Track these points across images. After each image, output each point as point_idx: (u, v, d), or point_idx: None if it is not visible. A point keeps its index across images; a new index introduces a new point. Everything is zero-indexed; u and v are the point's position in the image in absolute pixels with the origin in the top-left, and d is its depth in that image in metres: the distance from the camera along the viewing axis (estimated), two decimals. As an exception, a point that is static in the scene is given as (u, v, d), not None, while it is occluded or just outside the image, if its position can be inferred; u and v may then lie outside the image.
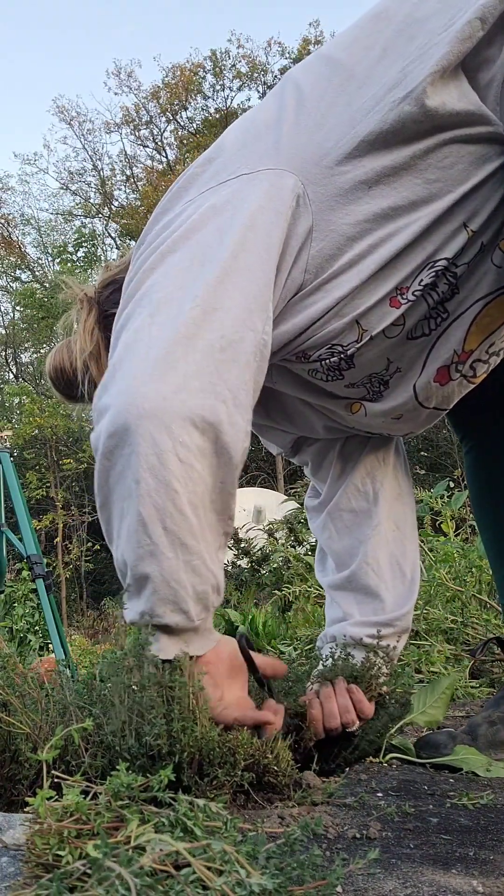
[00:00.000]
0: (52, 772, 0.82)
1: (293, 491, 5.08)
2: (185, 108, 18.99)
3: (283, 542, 4.56)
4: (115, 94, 26.05)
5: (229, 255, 0.89)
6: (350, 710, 1.09)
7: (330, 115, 0.95)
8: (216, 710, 0.93)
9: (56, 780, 0.78)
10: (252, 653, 1.01)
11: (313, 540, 4.53)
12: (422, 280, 0.98)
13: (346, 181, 0.94)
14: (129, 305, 0.92)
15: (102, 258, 19.36)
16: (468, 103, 0.91)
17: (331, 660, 1.18)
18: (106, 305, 1.21)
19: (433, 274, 0.98)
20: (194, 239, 0.91)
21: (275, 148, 0.95)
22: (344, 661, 1.16)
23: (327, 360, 1.04)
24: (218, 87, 18.48)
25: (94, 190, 19.96)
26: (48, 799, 0.68)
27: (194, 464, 0.84)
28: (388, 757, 1.18)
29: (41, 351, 18.83)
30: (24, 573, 5.38)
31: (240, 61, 18.19)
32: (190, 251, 0.90)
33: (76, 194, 19.94)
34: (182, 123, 19.29)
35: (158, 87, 18.69)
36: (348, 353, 1.03)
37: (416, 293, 0.99)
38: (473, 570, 2.53)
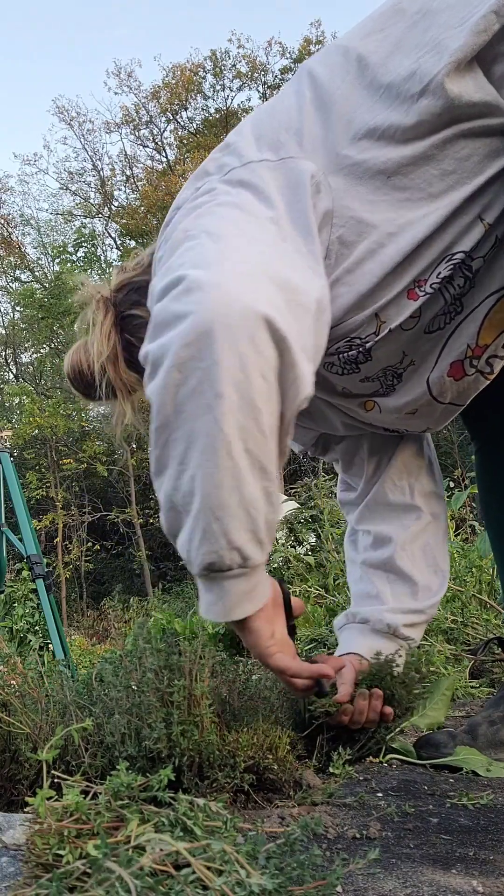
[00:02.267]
0: (52, 772, 0.82)
1: (293, 491, 5.08)
2: (186, 108, 18.99)
3: (283, 542, 4.56)
4: (115, 93, 26.08)
5: (271, 215, 0.87)
6: (374, 723, 1.14)
7: (348, 106, 0.96)
8: (271, 650, 0.94)
9: (56, 779, 0.78)
10: (286, 590, 1.02)
11: (313, 540, 4.53)
12: (439, 272, 0.98)
13: (365, 171, 0.94)
14: (174, 247, 0.87)
15: (102, 258, 19.37)
16: (485, 94, 0.91)
17: (385, 658, 1.19)
18: (122, 307, 1.21)
19: (451, 266, 0.98)
20: (236, 198, 0.89)
21: (297, 139, 0.96)
22: (387, 666, 1.18)
23: (345, 354, 1.04)
24: (218, 87, 18.48)
25: (93, 190, 19.96)
26: (48, 799, 0.68)
27: (273, 383, 0.80)
28: (388, 757, 1.18)
29: (41, 351, 18.83)
30: (24, 573, 5.37)
31: (240, 61, 18.20)
32: (235, 206, 0.88)
33: (76, 194, 19.95)
34: (182, 123, 19.29)
35: (158, 86, 18.70)
36: (366, 346, 1.02)
37: (433, 286, 0.99)
38: (473, 570, 2.53)
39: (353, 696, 1.12)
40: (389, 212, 0.95)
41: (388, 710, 1.14)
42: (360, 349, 1.03)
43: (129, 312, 1.21)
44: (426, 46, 0.92)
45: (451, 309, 1.03)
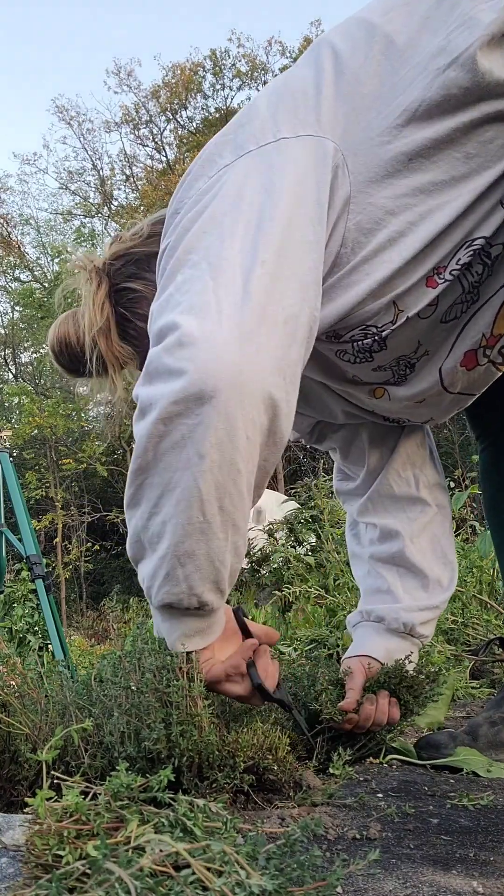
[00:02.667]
0: (52, 772, 0.82)
1: (293, 491, 5.08)
2: (185, 108, 18.99)
3: (283, 542, 4.56)
4: (115, 93, 25.98)
5: (284, 222, 0.85)
6: (381, 725, 1.13)
7: (371, 84, 0.91)
8: (204, 668, 0.93)
9: (56, 780, 0.78)
10: (246, 620, 1.01)
11: (313, 540, 4.52)
12: (459, 259, 0.95)
13: (386, 152, 0.90)
14: (176, 265, 0.87)
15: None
16: None
17: (397, 663, 1.19)
18: (117, 279, 1.17)
19: (470, 253, 0.95)
20: (245, 202, 0.86)
21: (315, 115, 0.91)
22: (400, 671, 1.18)
23: (360, 342, 1.01)
24: (218, 87, 18.48)
25: (93, 189, 19.96)
26: (48, 799, 0.67)
27: (256, 443, 0.82)
28: (388, 758, 1.18)
29: (41, 351, 18.81)
30: (24, 573, 5.37)
31: (240, 60, 18.20)
32: (243, 214, 0.86)
33: (76, 194, 19.94)
34: (182, 123, 19.29)
35: (158, 86, 18.70)
36: (383, 334, 1.00)
37: (453, 273, 0.96)
38: (474, 570, 2.53)
39: (360, 703, 1.10)
40: (409, 197, 0.91)
41: (396, 712, 1.13)
42: (376, 337, 1.00)
43: (125, 285, 1.16)
44: (455, 22, 0.88)
45: (468, 297, 1.00)
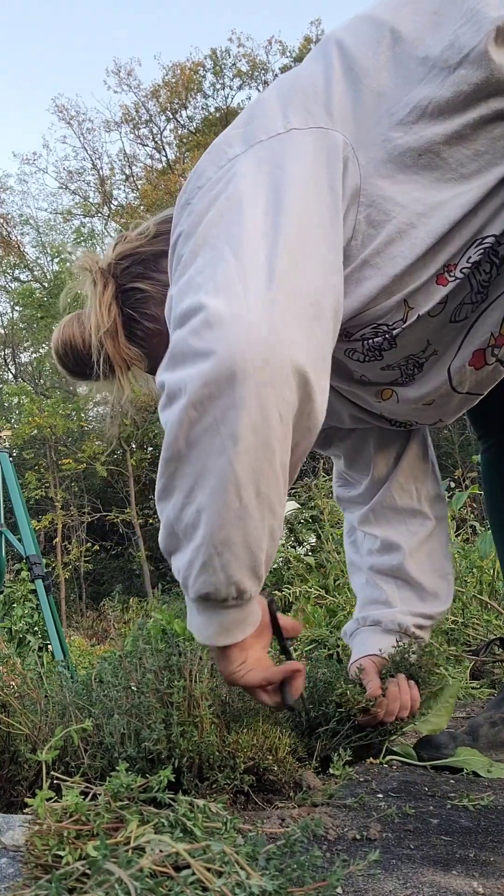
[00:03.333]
0: (52, 773, 0.82)
1: (293, 491, 5.08)
2: (185, 107, 18.98)
3: (284, 542, 4.56)
4: (115, 92, 25.91)
5: (301, 205, 0.83)
6: (407, 707, 1.12)
7: (380, 80, 0.91)
8: (239, 673, 0.91)
9: (55, 780, 0.78)
10: (277, 613, 1.00)
11: (313, 541, 4.52)
12: (469, 257, 0.94)
13: (396, 148, 0.90)
14: (195, 248, 0.84)
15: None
16: None
17: (400, 647, 1.21)
18: (123, 279, 1.15)
19: (481, 251, 0.94)
20: (260, 187, 0.85)
21: (325, 109, 0.91)
22: (404, 655, 1.19)
23: (370, 340, 1.01)
24: (218, 86, 18.47)
25: (93, 189, 19.95)
26: (48, 800, 0.67)
27: (289, 422, 0.79)
28: (388, 758, 1.18)
29: (40, 350, 18.81)
30: (24, 574, 5.37)
31: (240, 60, 18.19)
32: (260, 198, 0.84)
33: (75, 193, 19.94)
34: (182, 122, 19.28)
35: (158, 85, 18.68)
36: (393, 332, 0.99)
37: (463, 271, 0.95)
38: (474, 570, 2.53)
39: (384, 688, 1.11)
40: (419, 191, 0.90)
41: (416, 692, 1.14)
42: (387, 336, 0.99)
43: (132, 285, 1.15)
44: (462, 17, 0.88)
45: (477, 297, 1.00)
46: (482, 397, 1.13)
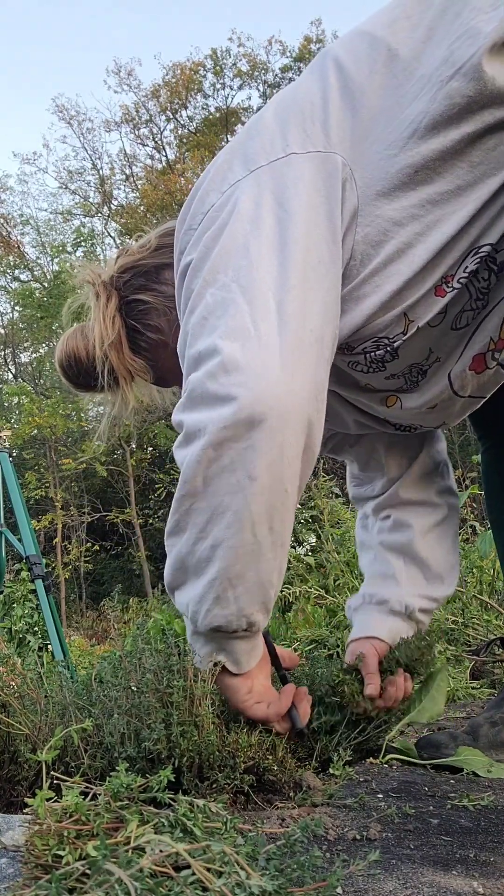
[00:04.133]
0: (52, 773, 0.82)
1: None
2: (185, 107, 18.98)
3: (283, 542, 4.55)
4: (115, 92, 25.91)
5: (303, 244, 0.87)
6: (398, 699, 1.15)
7: (376, 97, 0.92)
8: (248, 703, 0.96)
9: (55, 780, 0.78)
10: (274, 644, 1.04)
11: (313, 541, 4.52)
12: (466, 267, 0.95)
13: (393, 165, 0.91)
14: (204, 285, 0.88)
15: (102, 257, 19.33)
16: None
17: (405, 641, 1.23)
18: (126, 291, 1.17)
19: (477, 260, 0.95)
20: (264, 224, 0.88)
21: (323, 130, 0.92)
22: (407, 651, 1.21)
23: (372, 353, 1.02)
24: (218, 86, 18.47)
25: (93, 189, 19.95)
26: (48, 800, 0.67)
27: (299, 462, 0.85)
28: (387, 758, 1.17)
29: (40, 350, 18.82)
30: (24, 574, 5.37)
31: (240, 60, 18.18)
32: (264, 237, 0.87)
33: (75, 193, 19.94)
34: (182, 122, 19.28)
35: (158, 85, 18.68)
36: (394, 345, 1.00)
37: (460, 281, 0.96)
38: (474, 570, 2.53)
39: (383, 687, 1.13)
40: (416, 209, 0.92)
41: (409, 685, 1.17)
42: (388, 348, 1.01)
43: (135, 297, 1.17)
44: (457, 33, 0.89)
45: (477, 304, 1.01)
46: (485, 399, 1.14)
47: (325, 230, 0.89)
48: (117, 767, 0.72)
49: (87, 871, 0.57)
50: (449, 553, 1.31)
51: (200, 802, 0.69)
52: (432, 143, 0.89)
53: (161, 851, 0.59)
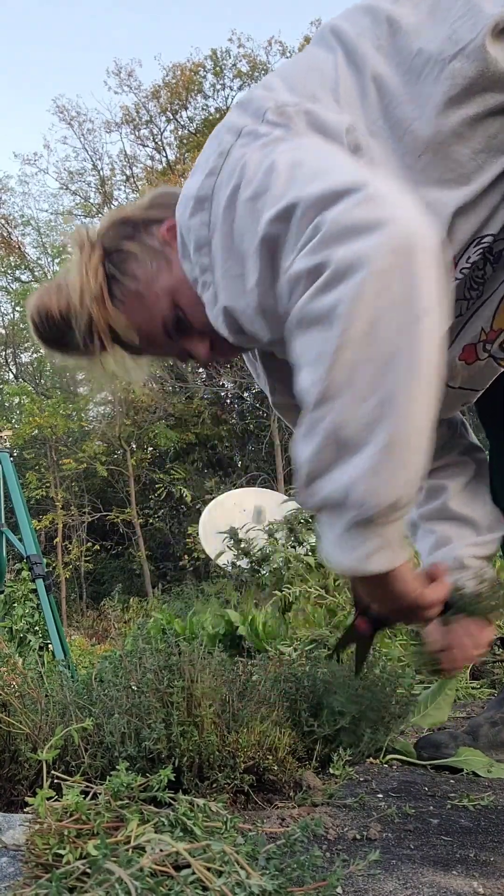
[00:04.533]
0: (52, 772, 0.82)
1: (293, 491, 5.07)
2: (186, 108, 18.97)
3: (283, 542, 4.56)
4: (116, 93, 25.88)
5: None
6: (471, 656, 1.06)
7: (379, 72, 0.90)
8: (419, 590, 0.84)
9: (56, 780, 0.78)
10: None
11: (313, 540, 4.52)
12: (469, 257, 0.93)
13: (397, 145, 0.89)
14: (288, 169, 0.80)
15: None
16: None
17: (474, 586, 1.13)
18: (111, 243, 1.11)
19: (479, 252, 0.94)
20: (312, 139, 0.85)
21: (333, 96, 0.90)
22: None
23: None
24: (218, 87, 18.46)
25: (93, 190, 19.95)
26: (48, 799, 0.67)
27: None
28: (388, 758, 1.18)
29: (41, 351, 18.81)
30: (24, 573, 5.36)
31: (240, 60, 18.17)
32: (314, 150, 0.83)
33: (76, 194, 19.94)
34: (182, 123, 19.28)
35: (159, 86, 18.67)
36: None
37: (463, 271, 0.94)
38: (473, 570, 2.53)
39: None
40: (420, 194, 0.87)
41: (489, 633, 1.08)
42: None
43: (117, 248, 1.11)
44: (459, 12, 0.88)
45: (471, 294, 1.00)
46: (480, 393, 1.13)
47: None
48: (118, 767, 0.72)
49: (88, 871, 0.57)
50: (486, 500, 1.29)
51: (200, 802, 0.69)
52: (435, 125, 0.87)
53: (161, 851, 0.59)
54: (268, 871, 0.59)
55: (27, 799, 0.68)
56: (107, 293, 1.09)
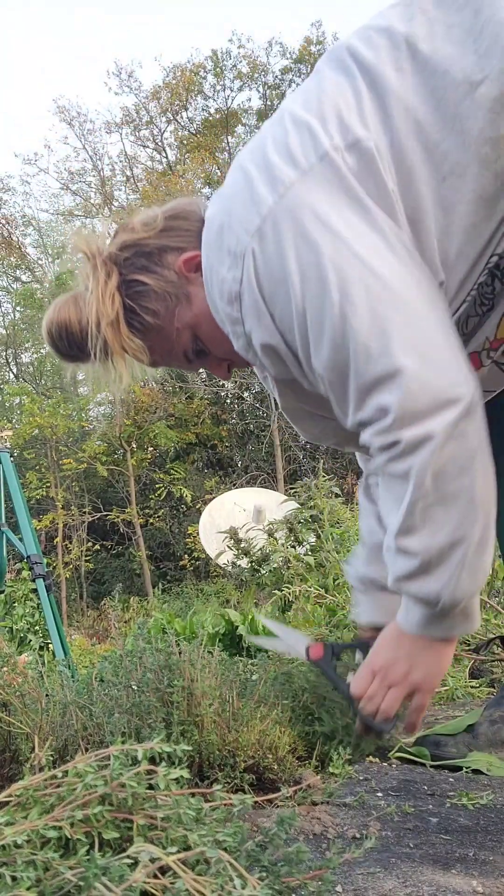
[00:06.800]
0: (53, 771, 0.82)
1: (293, 491, 5.07)
2: (186, 109, 18.96)
3: (283, 542, 4.56)
4: (116, 94, 25.83)
5: (401, 248, 0.92)
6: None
7: (403, 94, 0.91)
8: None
9: (56, 779, 0.78)
10: None
11: (313, 540, 4.52)
12: (479, 279, 0.97)
13: (423, 168, 0.91)
14: (332, 306, 0.91)
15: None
16: None
17: None
18: (126, 269, 1.13)
19: (487, 272, 0.96)
20: (356, 229, 0.91)
21: (360, 120, 0.92)
22: None
23: None
24: (219, 88, 18.45)
25: (94, 190, 19.94)
26: (48, 798, 0.67)
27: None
28: (393, 754, 1.18)
29: (41, 351, 18.81)
30: (25, 573, 5.37)
31: (241, 61, 18.15)
32: (365, 241, 0.91)
33: (76, 194, 19.94)
34: (182, 124, 19.27)
35: (159, 87, 18.65)
36: None
37: (471, 294, 0.98)
38: (473, 570, 2.53)
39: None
40: (452, 210, 0.92)
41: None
42: None
43: (134, 277, 1.13)
44: (478, 31, 0.88)
45: (481, 310, 1.03)
46: (488, 397, 1.14)
47: (396, 243, 0.92)
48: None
49: (80, 884, 0.57)
50: None
51: (201, 801, 0.69)
52: (460, 149, 0.89)
53: (154, 864, 0.58)
54: (265, 873, 0.59)
55: (27, 798, 0.68)
56: (124, 321, 1.13)
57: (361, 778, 1.08)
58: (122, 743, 0.91)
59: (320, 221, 0.90)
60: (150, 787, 0.68)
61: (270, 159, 0.94)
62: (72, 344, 1.15)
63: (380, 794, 1.00)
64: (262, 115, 17.63)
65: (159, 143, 19.61)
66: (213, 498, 7.78)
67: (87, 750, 0.95)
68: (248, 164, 0.97)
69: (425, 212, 0.92)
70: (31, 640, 5.20)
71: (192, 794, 0.66)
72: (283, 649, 1.15)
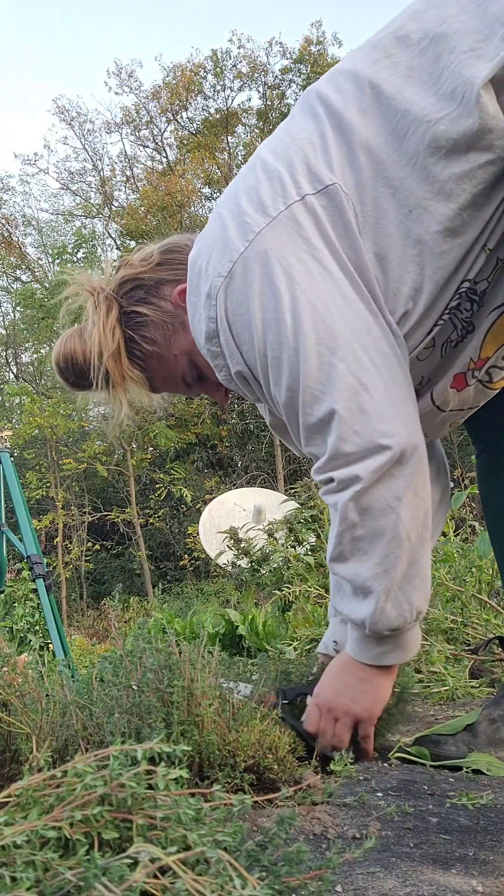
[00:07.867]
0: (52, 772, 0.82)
1: (293, 491, 5.08)
2: (186, 109, 18.97)
3: (283, 542, 4.56)
4: (116, 94, 25.89)
5: (356, 292, 0.98)
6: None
7: (367, 136, 0.97)
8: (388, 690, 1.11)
9: (56, 779, 0.78)
10: None
11: (313, 540, 4.53)
12: (449, 305, 1.01)
13: (387, 204, 0.97)
14: (275, 359, 0.99)
15: (102, 258, 19.32)
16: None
17: None
18: (126, 303, 1.21)
19: (458, 297, 1.01)
20: (314, 276, 0.97)
21: (326, 165, 0.98)
22: None
23: None
24: (218, 88, 18.45)
25: (94, 190, 19.95)
26: (48, 798, 0.67)
27: (426, 476, 1.03)
28: (391, 753, 1.18)
29: (41, 351, 18.81)
30: (25, 573, 5.38)
31: (241, 61, 18.16)
32: (322, 286, 0.97)
33: (76, 194, 19.94)
34: (182, 124, 19.27)
35: (159, 87, 18.66)
36: None
37: (444, 317, 1.02)
38: (473, 569, 2.53)
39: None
40: (409, 249, 0.97)
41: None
42: None
43: (133, 309, 1.20)
44: (437, 75, 0.92)
45: (461, 334, 1.07)
46: (472, 412, 1.17)
47: (356, 295, 0.98)
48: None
49: (80, 884, 0.57)
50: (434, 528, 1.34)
51: (201, 800, 0.69)
52: (427, 185, 0.94)
53: (154, 864, 0.58)
54: (264, 873, 0.59)
55: (27, 798, 0.68)
56: (125, 352, 1.21)
57: (361, 778, 1.08)
58: (122, 743, 0.91)
59: (282, 268, 0.97)
60: (150, 787, 0.68)
61: (242, 207, 1.01)
62: (77, 374, 1.23)
63: (380, 794, 1.00)
64: (262, 114, 17.64)
65: (159, 143, 19.61)
66: (213, 498, 7.79)
67: (86, 750, 0.96)
68: (224, 210, 1.05)
69: (390, 246, 0.97)
70: (31, 640, 5.21)
71: (192, 794, 0.66)
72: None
